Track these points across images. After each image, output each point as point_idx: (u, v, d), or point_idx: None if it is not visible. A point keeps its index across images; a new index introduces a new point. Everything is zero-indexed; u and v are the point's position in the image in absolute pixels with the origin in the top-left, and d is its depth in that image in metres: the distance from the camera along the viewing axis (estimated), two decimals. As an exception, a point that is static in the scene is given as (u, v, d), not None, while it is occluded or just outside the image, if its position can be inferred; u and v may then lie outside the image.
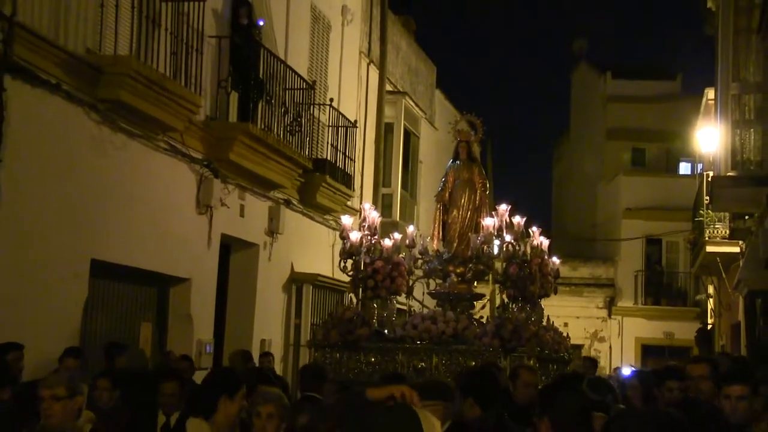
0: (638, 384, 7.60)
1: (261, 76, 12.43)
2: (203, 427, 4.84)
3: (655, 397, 7.19)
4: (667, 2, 70.31)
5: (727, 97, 13.11)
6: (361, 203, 12.00)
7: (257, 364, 11.14)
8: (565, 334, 10.72)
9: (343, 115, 15.57)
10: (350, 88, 17.01)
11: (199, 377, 6.92)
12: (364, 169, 17.21)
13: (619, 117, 30.90)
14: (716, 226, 18.39)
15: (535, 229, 10.50)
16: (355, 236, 10.24)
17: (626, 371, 14.02)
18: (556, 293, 10.84)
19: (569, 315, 26.17)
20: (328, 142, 15.17)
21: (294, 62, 13.81)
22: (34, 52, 8.45)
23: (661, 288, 28.24)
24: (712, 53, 14.73)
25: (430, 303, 11.04)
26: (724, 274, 18.23)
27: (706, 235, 18.52)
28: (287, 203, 14.12)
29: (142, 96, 9.65)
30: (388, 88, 18.30)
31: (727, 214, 17.53)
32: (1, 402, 6.41)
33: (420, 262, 10.77)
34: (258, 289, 13.38)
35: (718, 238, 18.32)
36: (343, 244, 10.36)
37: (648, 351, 27.27)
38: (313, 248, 15.13)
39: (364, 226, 10.46)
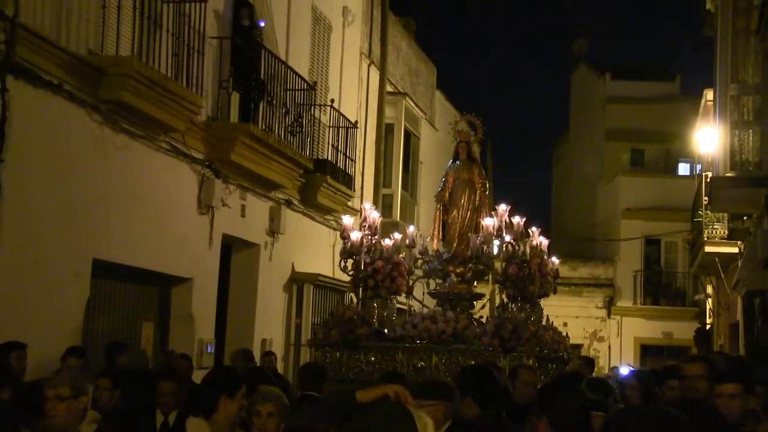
0: (637, 384, 7.61)
1: (262, 76, 12.47)
2: (203, 427, 4.85)
3: (655, 396, 7.22)
4: (667, 3, 70.35)
5: (726, 98, 13.14)
6: (361, 203, 12.04)
7: (259, 364, 11.16)
8: (564, 334, 10.76)
9: (344, 116, 15.60)
10: (351, 88, 17.04)
11: (200, 376, 6.95)
12: (364, 170, 17.24)
13: (618, 118, 30.92)
14: (715, 227, 18.42)
15: (534, 229, 10.52)
16: (355, 236, 10.27)
17: (624, 371, 14.06)
18: (555, 293, 10.87)
19: (569, 315, 26.20)
20: (328, 143, 15.20)
21: (295, 63, 13.84)
22: (36, 53, 8.48)
23: (660, 288, 28.27)
24: (711, 54, 14.76)
25: (431, 303, 11.08)
26: (722, 275, 18.25)
27: (705, 236, 18.56)
28: (288, 203, 14.15)
29: (143, 97, 9.67)
30: (389, 88, 18.34)
31: (725, 214, 17.57)
32: (1, 402, 6.43)
33: (420, 262, 10.80)
34: (259, 289, 13.41)
35: (716, 239, 18.35)
36: (344, 243, 10.39)
37: (647, 351, 27.30)
38: (314, 248, 15.17)
39: (365, 226, 10.49)
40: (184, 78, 10.43)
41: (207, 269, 11.98)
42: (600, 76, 32.16)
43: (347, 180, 15.56)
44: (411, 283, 10.68)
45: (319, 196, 14.68)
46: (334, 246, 15.03)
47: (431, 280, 10.95)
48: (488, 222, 10.27)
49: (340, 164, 15.35)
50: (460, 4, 75.91)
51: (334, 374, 9.48)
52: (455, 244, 10.72)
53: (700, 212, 18.79)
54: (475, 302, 10.79)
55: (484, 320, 10.38)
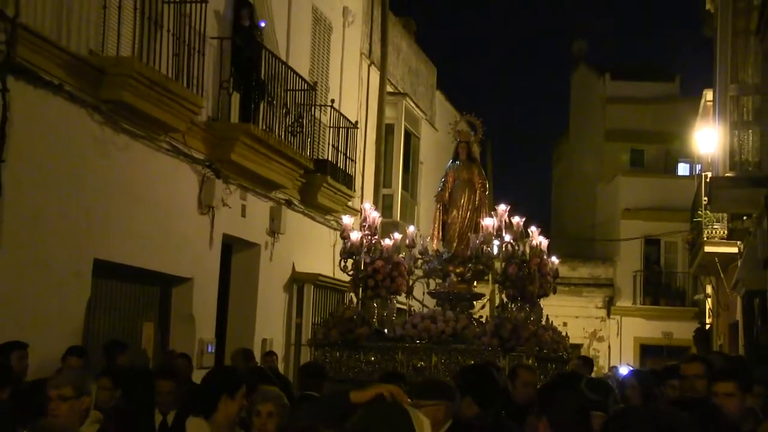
0: (637, 383, 7.61)
1: (262, 77, 12.48)
2: (203, 426, 4.85)
3: (655, 396, 7.23)
4: (666, 4, 70.42)
5: (725, 99, 13.15)
6: (361, 204, 12.05)
7: (260, 363, 11.18)
8: (564, 334, 10.77)
9: (344, 116, 15.62)
10: (351, 89, 17.06)
11: (200, 376, 6.96)
12: (364, 170, 17.26)
13: (618, 118, 30.94)
14: (714, 227, 18.44)
15: (534, 229, 10.54)
16: (355, 236, 10.29)
17: (623, 370, 14.08)
18: (555, 293, 10.89)
19: (568, 315, 26.23)
20: (329, 143, 15.22)
21: (295, 63, 13.86)
22: (37, 54, 8.49)
23: (659, 288, 28.29)
24: (710, 55, 14.77)
25: (431, 303, 11.09)
26: (722, 274, 18.27)
27: (705, 236, 18.57)
28: (288, 203, 14.17)
29: (144, 97, 9.69)
30: (389, 89, 18.35)
31: (725, 214, 17.58)
32: (0, 402, 6.44)
33: (420, 261, 10.83)
34: (259, 289, 13.43)
35: (716, 239, 18.37)
36: (344, 243, 10.40)
37: (647, 350, 27.32)
38: (314, 248, 15.18)
39: (365, 226, 10.51)
40: (185, 78, 10.44)
41: (207, 269, 12.00)
42: (600, 76, 32.18)
43: (347, 180, 15.57)
44: (411, 283, 10.70)
45: (320, 196, 14.70)
46: (334, 246, 15.05)
47: (431, 280, 10.97)
48: (488, 222, 10.29)
49: (341, 164, 15.36)
50: (460, 4, 75.93)
51: (334, 374, 9.50)
52: (455, 244, 10.74)
53: (699, 212, 18.81)
54: (474, 302, 10.81)
55: (484, 320, 10.39)
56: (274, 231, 13.73)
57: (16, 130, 8.23)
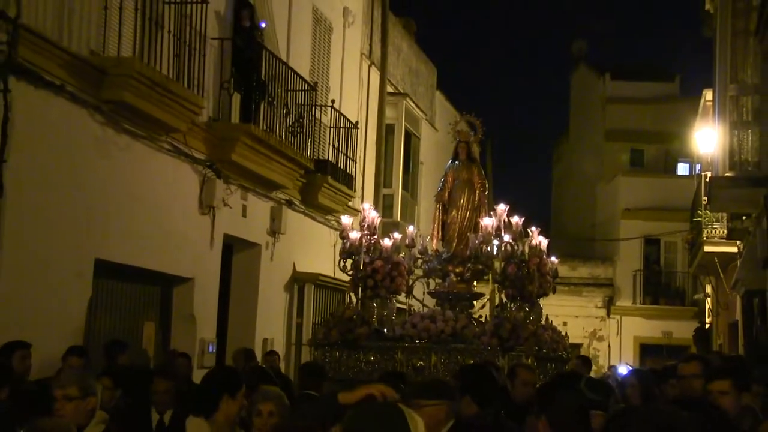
0: (637, 383, 7.63)
1: (263, 77, 12.50)
2: (203, 426, 4.85)
3: (655, 395, 7.25)
4: (666, 4, 70.42)
5: (725, 99, 13.17)
6: (362, 204, 12.08)
7: (262, 363, 11.19)
8: (563, 334, 10.79)
9: (345, 116, 15.64)
10: (351, 89, 17.08)
11: (201, 376, 6.97)
12: (365, 170, 17.28)
13: (618, 118, 30.95)
14: (714, 227, 18.45)
15: (533, 229, 10.57)
16: (354, 236, 10.31)
17: (622, 370, 14.09)
18: (554, 293, 10.91)
19: (568, 314, 26.25)
20: (329, 143, 15.24)
21: (296, 64, 13.88)
22: (38, 54, 8.50)
23: (659, 287, 28.31)
24: (710, 55, 14.79)
25: (431, 302, 11.12)
26: (721, 274, 18.28)
27: (704, 235, 18.58)
28: (289, 204, 14.19)
29: (145, 97, 9.71)
30: (389, 89, 18.37)
31: (724, 214, 17.59)
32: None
33: (419, 261, 10.85)
34: (260, 289, 13.45)
35: (716, 238, 18.38)
36: (343, 243, 10.42)
37: (646, 350, 27.33)
38: (315, 248, 15.21)
39: (364, 225, 10.53)
40: (186, 79, 10.46)
41: (208, 269, 12.02)
42: (600, 76, 32.18)
43: (348, 180, 15.59)
44: (411, 282, 10.71)
45: (320, 196, 14.72)
46: (334, 246, 15.06)
47: (431, 280, 10.99)
48: (487, 222, 10.31)
49: (341, 164, 15.39)
50: (460, 4, 75.91)
51: (334, 374, 9.52)
52: (454, 244, 10.76)
53: (699, 212, 18.82)
54: (474, 302, 10.83)
55: (483, 320, 10.41)
56: (274, 231, 13.75)
57: (17, 131, 8.24)
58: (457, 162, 11.15)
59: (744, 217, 15.87)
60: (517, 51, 74.97)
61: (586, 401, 4.34)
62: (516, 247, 10.27)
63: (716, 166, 13.35)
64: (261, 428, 5.55)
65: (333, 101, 15.34)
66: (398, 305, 11.39)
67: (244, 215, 12.83)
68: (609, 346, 27.98)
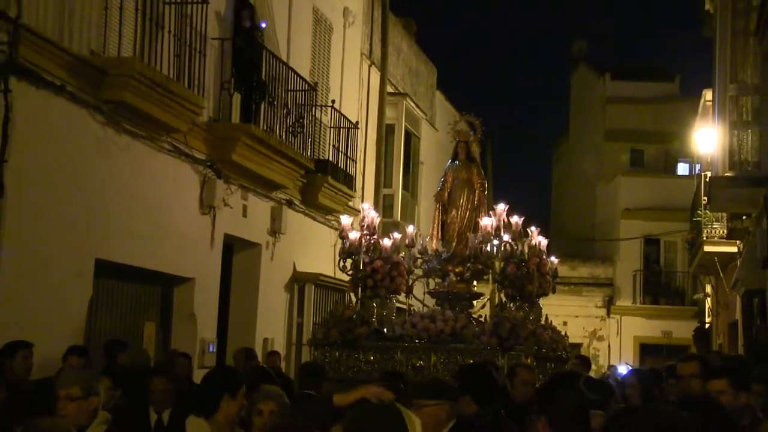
0: (637, 382, 7.63)
1: (263, 77, 12.52)
2: (203, 426, 4.85)
3: (655, 395, 7.26)
4: (666, 4, 70.42)
5: (724, 99, 13.19)
6: (362, 204, 12.10)
7: (264, 363, 11.20)
8: (563, 333, 10.80)
9: (345, 117, 15.65)
10: (352, 89, 17.09)
11: (201, 376, 6.98)
12: (365, 170, 17.30)
13: (618, 118, 30.96)
14: (714, 226, 18.45)
15: (533, 229, 10.58)
16: (354, 236, 10.32)
17: (622, 369, 14.09)
18: (554, 292, 10.93)
19: (568, 314, 26.29)
20: (329, 143, 15.25)
21: (296, 64, 13.90)
22: (39, 54, 8.52)
23: (659, 287, 28.32)
24: (710, 55, 14.80)
25: (431, 302, 11.13)
26: (721, 274, 18.29)
27: (704, 235, 18.59)
28: (289, 204, 14.20)
29: (145, 97, 9.72)
30: (389, 89, 18.38)
31: (724, 214, 17.60)
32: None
33: (419, 261, 10.86)
34: (260, 289, 13.46)
35: (715, 238, 18.39)
36: (343, 243, 10.44)
37: (646, 350, 27.31)
38: (315, 248, 15.22)
39: (363, 225, 10.55)
40: (186, 79, 10.47)
41: (209, 269, 12.03)
42: (600, 76, 32.19)
43: (348, 180, 15.61)
44: (410, 282, 10.72)
45: (320, 196, 14.73)
46: (335, 246, 15.05)
47: (430, 280, 11.00)
48: (486, 221, 10.31)
49: (341, 164, 15.40)
50: (461, 4, 75.92)
51: (334, 373, 9.52)
52: (454, 244, 10.77)
53: (699, 212, 18.83)
54: (474, 301, 10.84)
55: (483, 320, 10.42)
56: (275, 231, 13.76)
57: (18, 131, 8.26)
58: (456, 162, 11.16)
59: (744, 217, 15.88)
60: (517, 51, 75.06)
61: (585, 401, 4.34)
62: (515, 247, 10.28)
63: (716, 166, 13.36)
64: (262, 428, 5.56)
65: (333, 101, 15.35)
66: (398, 305, 11.41)
67: (244, 215, 12.85)
68: (609, 345, 27.99)
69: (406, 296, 11.03)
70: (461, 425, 4.99)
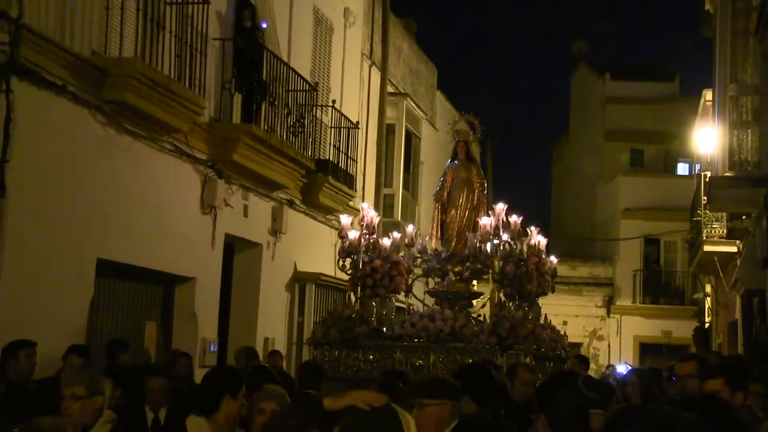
0: (638, 381, 7.64)
1: (264, 77, 12.53)
2: (204, 426, 4.86)
3: (655, 395, 7.26)
4: (666, 4, 70.41)
5: (724, 99, 13.20)
6: (362, 203, 12.12)
7: (264, 362, 11.21)
8: (563, 333, 10.81)
9: (345, 117, 15.67)
10: (352, 89, 17.11)
11: (202, 375, 6.99)
12: (366, 170, 17.32)
13: (618, 118, 30.98)
14: (714, 226, 18.47)
15: (532, 228, 10.59)
16: (353, 235, 10.33)
17: (621, 369, 14.11)
18: (553, 292, 10.93)
19: (568, 314, 26.31)
20: (330, 143, 15.27)
21: (297, 64, 13.91)
22: (40, 54, 8.54)
23: (659, 287, 28.34)
24: (710, 55, 14.82)
25: (431, 302, 11.15)
26: (721, 274, 18.31)
27: (704, 235, 18.61)
28: (290, 203, 14.22)
29: (146, 98, 9.74)
30: (390, 89, 18.39)
31: (724, 214, 17.62)
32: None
33: (419, 261, 10.87)
34: (261, 288, 13.48)
35: (715, 238, 18.40)
36: (342, 243, 10.46)
37: (646, 349, 27.35)
38: (316, 248, 15.24)
39: (363, 225, 10.56)
40: (187, 79, 10.49)
41: (210, 269, 12.05)
42: (600, 76, 32.21)
43: (349, 180, 15.63)
44: (410, 282, 10.74)
45: (321, 196, 14.75)
46: (335, 246, 15.06)
47: (430, 279, 11.02)
48: (485, 221, 10.33)
49: (342, 164, 15.42)
50: (461, 5, 75.95)
51: (333, 373, 9.54)
52: (453, 243, 10.79)
53: (699, 212, 18.84)
54: (473, 301, 10.86)
55: (483, 319, 10.44)
56: (275, 231, 13.78)
57: (19, 131, 8.28)
58: (456, 161, 11.17)
59: (744, 217, 15.90)
60: (517, 51, 75.05)
61: (584, 400, 4.34)
62: (514, 246, 10.30)
63: (716, 166, 13.38)
64: (263, 426, 5.57)
65: (334, 101, 15.37)
66: (397, 304, 11.42)
67: (245, 215, 12.86)
68: (609, 345, 28.00)
69: (406, 295, 11.04)
70: (461, 424, 4.99)
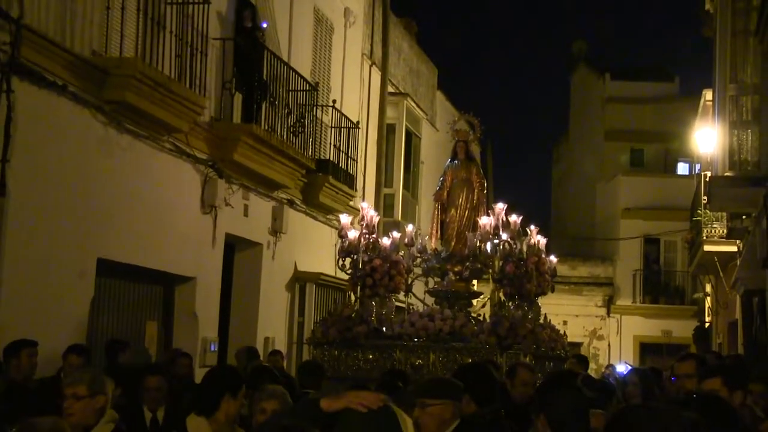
0: (638, 380, 7.63)
1: (264, 77, 12.54)
2: (204, 425, 4.86)
3: (655, 395, 7.27)
4: (666, 4, 70.38)
5: (724, 99, 13.20)
6: (362, 203, 12.13)
7: (266, 363, 11.21)
8: (563, 333, 10.82)
9: (346, 116, 15.68)
10: (352, 89, 17.12)
11: (202, 374, 6.99)
12: (366, 170, 17.33)
13: (617, 118, 30.99)
14: (714, 226, 18.47)
15: (532, 228, 10.60)
16: (352, 234, 10.34)
17: (621, 368, 14.12)
18: (553, 291, 10.93)
19: (568, 313, 26.31)
20: (330, 143, 15.28)
21: (297, 64, 13.92)
22: (41, 54, 8.55)
23: (659, 287, 28.33)
24: (710, 55, 14.81)
25: (431, 301, 11.16)
26: (721, 273, 18.31)
27: (704, 235, 18.61)
28: (290, 203, 14.23)
29: (147, 97, 9.75)
30: (390, 89, 18.40)
31: (724, 213, 17.61)
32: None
33: (418, 260, 10.87)
34: (262, 288, 13.49)
35: (715, 238, 18.40)
36: (342, 242, 10.46)
37: (646, 349, 27.37)
38: (316, 247, 15.24)
39: (362, 224, 10.57)
40: (188, 79, 10.50)
41: (210, 268, 12.06)
42: (600, 76, 32.21)
43: (349, 180, 15.64)
44: (410, 281, 10.75)
45: (321, 195, 14.76)
46: (336, 245, 15.06)
47: (430, 279, 11.02)
48: (485, 220, 10.33)
49: (342, 164, 15.43)
50: (461, 5, 75.93)
51: (333, 372, 9.55)
52: (453, 243, 10.79)
53: (699, 211, 18.84)
54: (473, 300, 10.86)
55: (483, 319, 10.44)
56: (276, 230, 13.79)
57: (20, 131, 8.29)
58: (455, 161, 11.18)
59: (744, 217, 15.90)
60: (517, 51, 75.05)
61: (584, 399, 4.35)
62: (514, 246, 10.30)
63: (716, 166, 13.38)
64: (264, 426, 5.58)
65: (334, 101, 15.38)
66: (397, 304, 11.43)
67: (245, 215, 12.87)
68: (609, 345, 28.00)
69: (405, 295, 11.04)
70: (463, 425, 4.99)
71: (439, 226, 11.06)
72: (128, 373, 7.65)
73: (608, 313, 28.23)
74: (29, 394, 7.13)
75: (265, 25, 12.98)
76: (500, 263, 10.39)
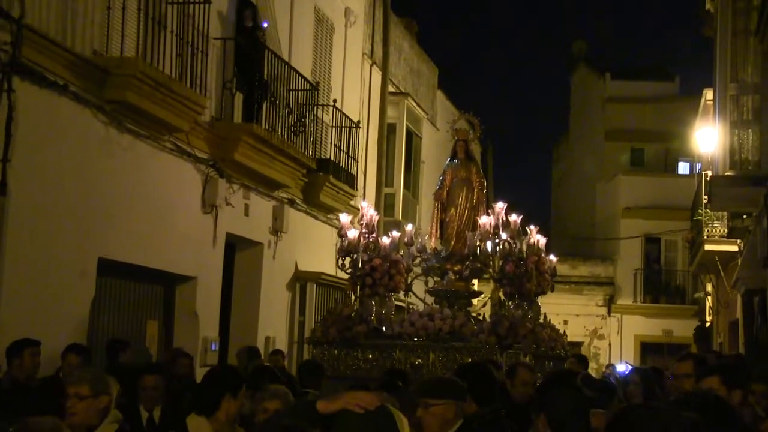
0: (639, 380, 7.63)
1: (265, 77, 12.54)
2: (204, 425, 4.86)
3: (656, 394, 7.27)
4: (666, 4, 70.37)
5: (725, 98, 13.21)
6: (362, 202, 12.13)
7: (266, 362, 11.22)
8: (564, 332, 10.82)
9: (346, 116, 15.69)
10: (353, 89, 17.12)
11: (203, 374, 6.98)
12: (366, 169, 17.33)
13: (618, 118, 30.99)
14: (714, 225, 18.47)
15: (532, 227, 10.60)
16: (352, 234, 10.34)
17: (621, 368, 14.12)
18: (553, 291, 10.93)
19: (569, 313, 26.31)
20: (331, 143, 15.29)
21: (298, 64, 13.93)
22: (41, 54, 8.56)
23: (659, 286, 28.34)
24: (710, 54, 14.82)
25: (431, 301, 11.16)
26: (722, 273, 18.32)
27: (705, 234, 18.62)
28: (291, 203, 14.24)
29: (148, 97, 9.76)
30: (391, 89, 18.40)
31: (725, 213, 17.62)
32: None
33: (418, 260, 10.87)
34: (262, 287, 13.50)
35: (716, 237, 18.42)
36: (341, 241, 10.47)
37: (647, 348, 27.37)
38: (317, 247, 15.25)
39: (362, 224, 10.57)
40: (188, 78, 10.51)
41: (211, 268, 12.07)
42: (600, 76, 32.22)
43: (350, 179, 15.64)
44: (409, 280, 10.75)
45: (322, 195, 14.77)
46: (336, 245, 15.08)
47: (429, 278, 11.03)
48: (484, 220, 10.33)
49: (343, 164, 15.43)
50: (461, 4, 75.93)
51: (332, 372, 9.54)
52: (453, 242, 10.79)
53: (699, 211, 18.85)
54: (473, 300, 10.86)
55: (483, 318, 10.44)
56: (276, 230, 13.80)
57: (21, 130, 8.30)
58: (455, 160, 11.18)
59: (744, 216, 15.91)
60: (517, 51, 75.04)
61: (584, 398, 4.35)
62: (514, 245, 10.30)
63: (716, 165, 13.38)
64: (266, 425, 5.58)
65: (335, 101, 15.39)
66: (397, 303, 11.43)
67: (246, 214, 12.88)
68: (610, 344, 28.00)
69: (405, 294, 11.04)
70: (464, 425, 4.99)
71: (438, 225, 11.06)
72: (127, 373, 7.66)
73: (609, 313, 28.23)
74: (31, 394, 7.13)
75: (265, 25, 12.99)
76: (500, 263, 10.39)
